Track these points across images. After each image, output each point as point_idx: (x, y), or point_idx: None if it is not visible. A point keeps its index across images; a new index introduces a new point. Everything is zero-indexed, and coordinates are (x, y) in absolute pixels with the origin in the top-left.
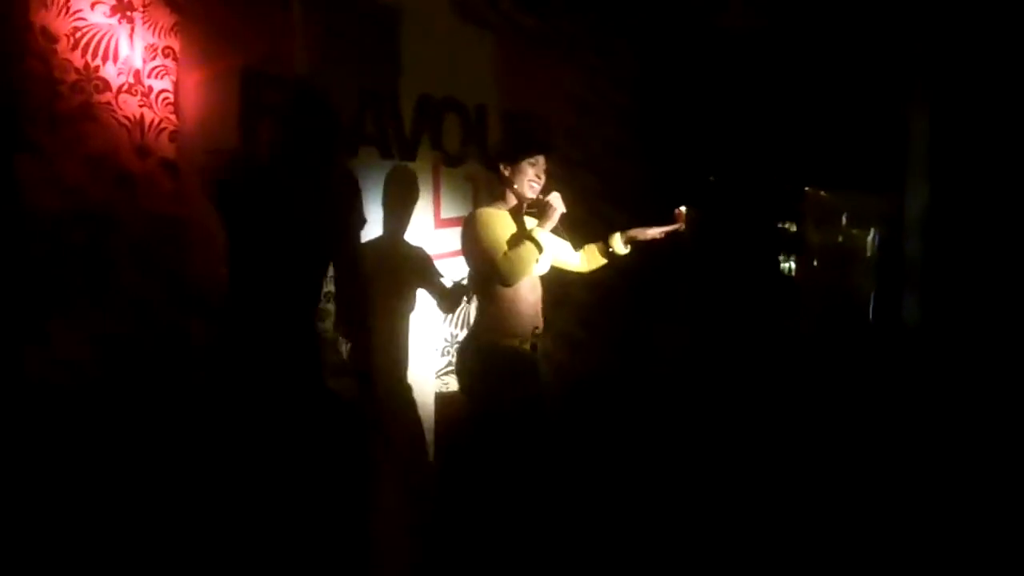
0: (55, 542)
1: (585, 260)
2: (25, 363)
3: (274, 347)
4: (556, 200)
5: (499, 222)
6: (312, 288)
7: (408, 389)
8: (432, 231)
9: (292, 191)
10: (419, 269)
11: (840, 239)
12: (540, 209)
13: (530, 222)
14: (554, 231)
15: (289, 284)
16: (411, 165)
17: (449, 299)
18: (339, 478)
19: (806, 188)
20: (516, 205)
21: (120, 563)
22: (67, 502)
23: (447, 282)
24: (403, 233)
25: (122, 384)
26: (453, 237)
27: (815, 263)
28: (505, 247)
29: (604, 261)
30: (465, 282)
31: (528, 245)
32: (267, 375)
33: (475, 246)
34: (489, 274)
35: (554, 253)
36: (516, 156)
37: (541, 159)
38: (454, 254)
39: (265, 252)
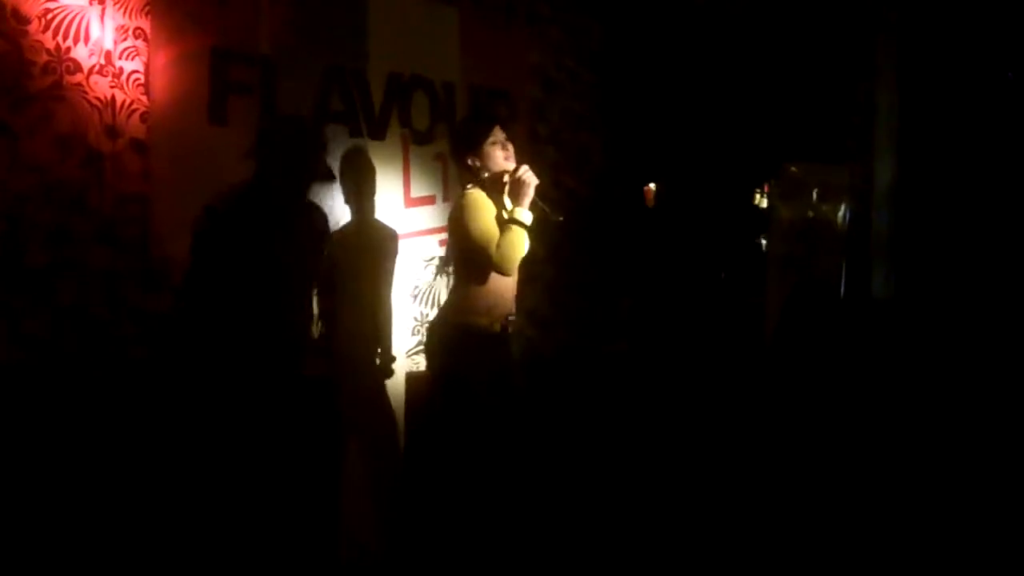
0: (18, 518)
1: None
2: None
3: (240, 328)
4: (528, 175)
5: (488, 208)
6: (283, 270)
7: (378, 369)
8: (402, 210)
9: (264, 178)
10: (384, 254)
11: (810, 213)
12: (513, 186)
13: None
14: (535, 204)
15: (260, 267)
16: (380, 144)
17: None
18: (308, 457)
19: (776, 165)
20: (496, 185)
21: (85, 535)
22: (31, 478)
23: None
24: (371, 213)
25: (87, 361)
26: (423, 216)
27: (785, 238)
28: (496, 237)
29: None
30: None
31: (516, 230)
32: (233, 356)
33: (466, 233)
34: (480, 262)
35: None
36: (476, 144)
37: (499, 134)
38: (424, 233)
39: (236, 238)
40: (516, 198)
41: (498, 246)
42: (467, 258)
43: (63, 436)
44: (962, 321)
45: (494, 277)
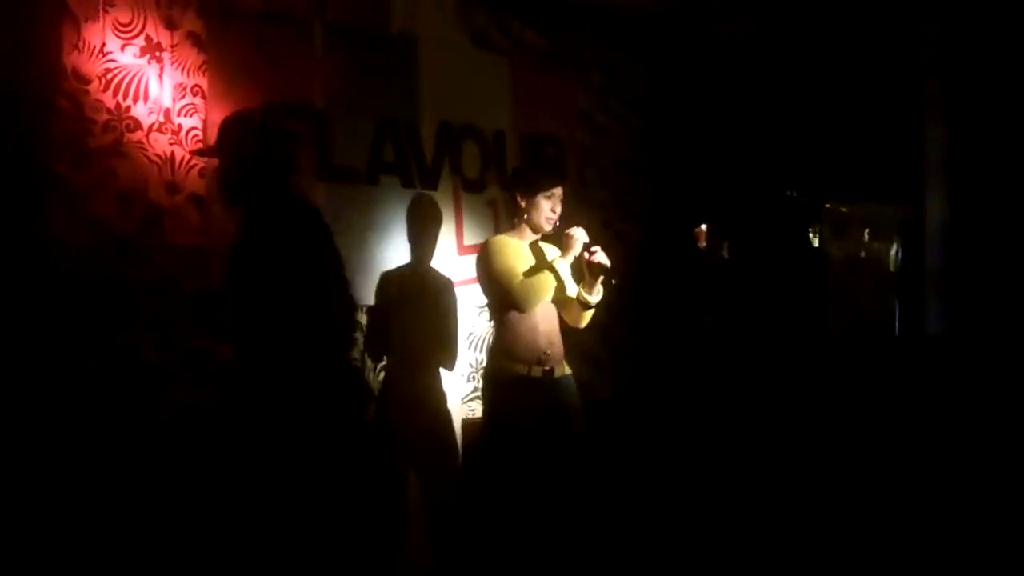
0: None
1: (574, 315)
2: (55, 387)
3: (296, 376)
4: (579, 233)
5: (512, 249)
6: (329, 315)
7: (435, 416)
8: (456, 257)
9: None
10: (436, 303)
11: (862, 253)
12: (564, 240)
13: (550, 251)
14: (590, 268)
15: (306, 311)
16: (433, 193)
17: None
18: (365, 506)
19: (827, 204)
20: (534, 239)
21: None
22: (89, 524)
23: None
24: (427, 261)
25: (148, 409)
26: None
27: (837, 277)
28: (519, 274)
29: (588, 312)
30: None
31: (546, 274)
32: (288, 403)
33: (488, 273)
34: (503, 300)
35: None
36: (532, 190)
37: (557, 191)
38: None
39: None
40: (564, 250)
41: (521, 281)
42: (494, 301)
43: (123, 479)
44: (1019, 358)
45: (526, 322)
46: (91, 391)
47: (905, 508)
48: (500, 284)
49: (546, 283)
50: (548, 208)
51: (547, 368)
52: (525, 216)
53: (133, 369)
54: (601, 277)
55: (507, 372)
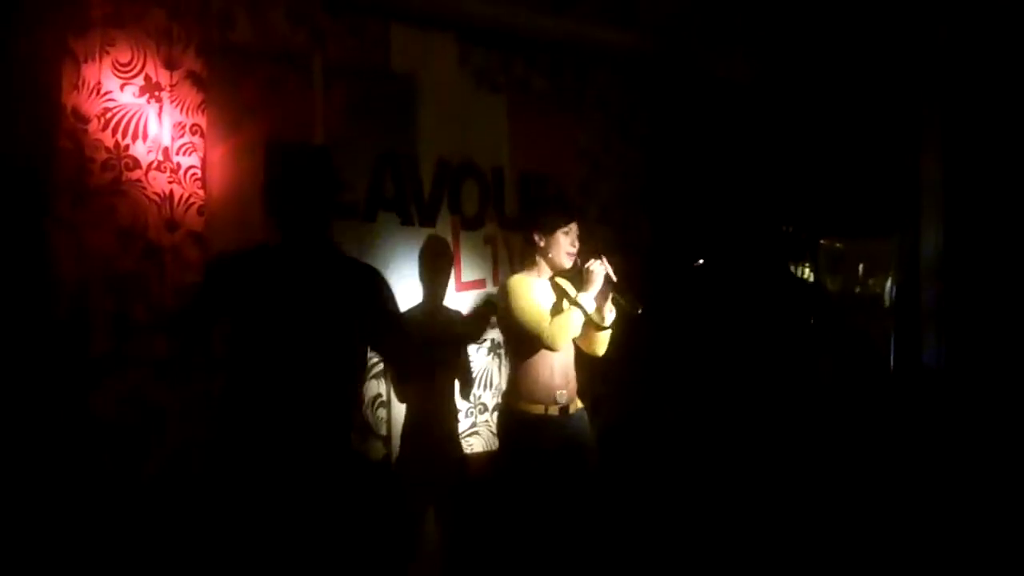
0: None
1: (591, 342)
2: (58, 423)
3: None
4: (597, 268)
5: (534, 288)
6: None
7: (455, 448)
8: (454, 293)
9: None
10: (455, 339)
11: (857, 288)
12: (584, 276)
13: (569, 286)
14: (615, 300)
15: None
16: (431, 230)
17: (463, 387)
18: (365, 540)
19: (821, 240)
20: (554, 275)
21: None
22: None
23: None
24: (439, 300)
25: (150, 445)
26: (474, 300)
27: (832, 313)
28: (546, 313)
29: (604, 334)
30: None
31: (572, 311)
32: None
33: (514, 314)
34: (532, 341)
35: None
36: (551, 228)
37: (573, 226)
38: None
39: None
40: (585, 286)
41: (551, 323)
42: (517, 341)
43: (128, 521)
44: (1016, 392)
45: (543, 361)
46: (90, 426)
47: (901, 540)
48: (528, 325)
49: (575, 321)
50: (568, 243)
51: (562, 405)
52: (547, 255)
53: (131, 406)
54: (610, 296)
55: (524, 412)
